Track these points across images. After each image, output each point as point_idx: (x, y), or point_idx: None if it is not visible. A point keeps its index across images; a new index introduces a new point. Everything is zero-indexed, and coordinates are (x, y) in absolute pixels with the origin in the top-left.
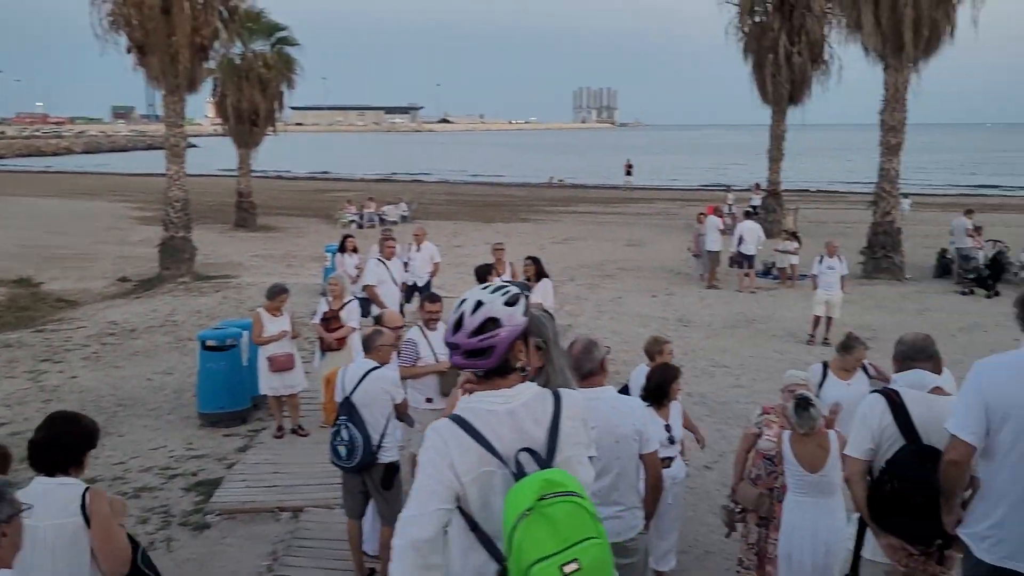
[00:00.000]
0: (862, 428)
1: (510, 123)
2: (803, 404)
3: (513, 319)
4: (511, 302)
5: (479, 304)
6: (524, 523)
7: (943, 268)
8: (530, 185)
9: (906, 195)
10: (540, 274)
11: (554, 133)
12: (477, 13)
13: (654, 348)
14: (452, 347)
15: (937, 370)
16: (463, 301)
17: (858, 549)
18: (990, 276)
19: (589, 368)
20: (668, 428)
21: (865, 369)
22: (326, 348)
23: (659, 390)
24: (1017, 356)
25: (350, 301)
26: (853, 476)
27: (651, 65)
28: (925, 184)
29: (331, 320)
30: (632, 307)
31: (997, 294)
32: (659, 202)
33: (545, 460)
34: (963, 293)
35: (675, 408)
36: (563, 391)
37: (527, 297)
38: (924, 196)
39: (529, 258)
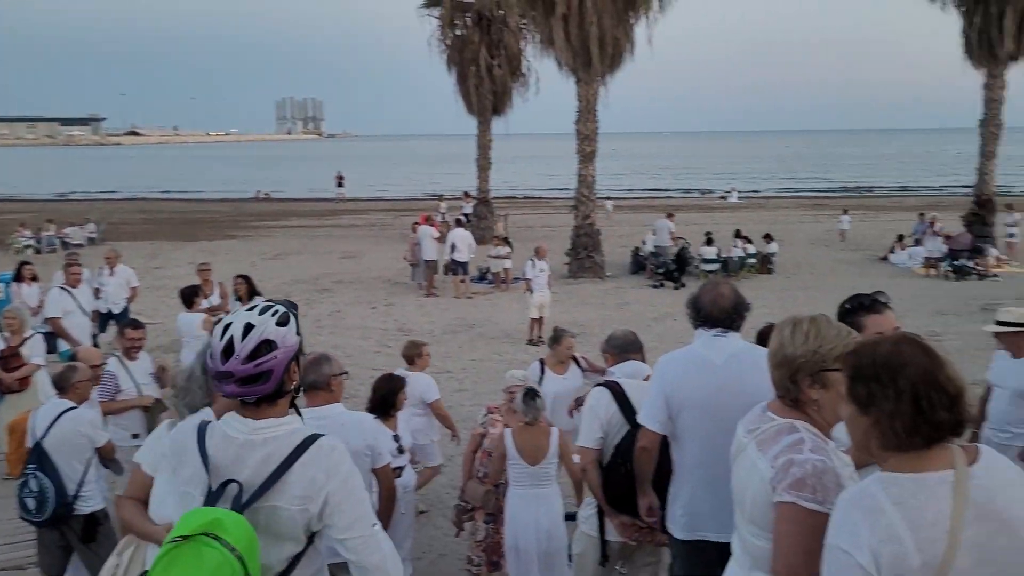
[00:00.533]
0: (592, 419)
1: (208, 135)
2: (530, 394)
3: (287, 340)
4: (282, 322)
5: (249, 327)
6: (173, 549)
7: (638, 265)
8: (234, 200)
9: (608, 198)
10: (252, 292)
11: (257, 145)
12: (166, 17)
13: (412, 351)
14: (223, 376)
15: (644, 360)
16: (228, 325)
17: (603, 533)
18: (677, 270)
19: (312, 380)
20: (396, 438)
21: (577, 362)
22: (5, 390)
23: (385, 401)
24: (689, 352)
25: (31, 336)
26: (589, 465)
27: (358, 75)
28: (618, 188)
29: (9, 358)
30: (352, 320)
31: (683, 286)
32: (373, 213)
33: (245, 502)
34: (655, 286)
35: (402, 417)
36: (325, 436)
37: (296, 316)
38: (617, 199)
39: (240, 276)
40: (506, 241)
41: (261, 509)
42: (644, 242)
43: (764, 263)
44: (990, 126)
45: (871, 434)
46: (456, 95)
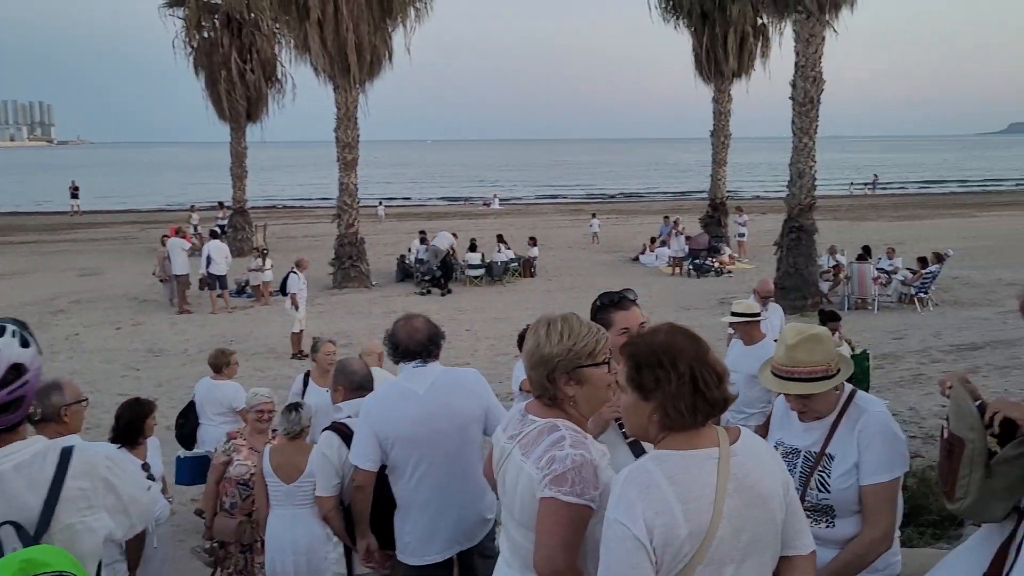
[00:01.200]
0: (326, 467)
1: None
2: (291, 407)
3: (35, 362)
4: (25, 343)
5: None
6: None
7: (404, 272)
8: None
9: (380, 202)
10: None
11: None
12: None
13: (220, 360)
14: None
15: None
16: None
17: (350, 569)
18: (443, 277)
19: (40, 412)
20: (146, 467)
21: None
22: None
23: (130, 428)
24: (393, 387)
25: None
26: (330, 513)
27: (93, 78)
28: (374, 197)
29: None
30: (93, 343)
31: (450, 292)
32: (115, 226)
33: (34, 534)
34: (422, 294)
35: (152, 444)
36: (79, 446)
37: (31, 335)
38: (372, 208)
39: None
40: (263, 253)
41: (55, 533)
42: (410, 249)
43: (527, 267)
44: (720, 136)
45: (652, 418)
46: (206, 101)
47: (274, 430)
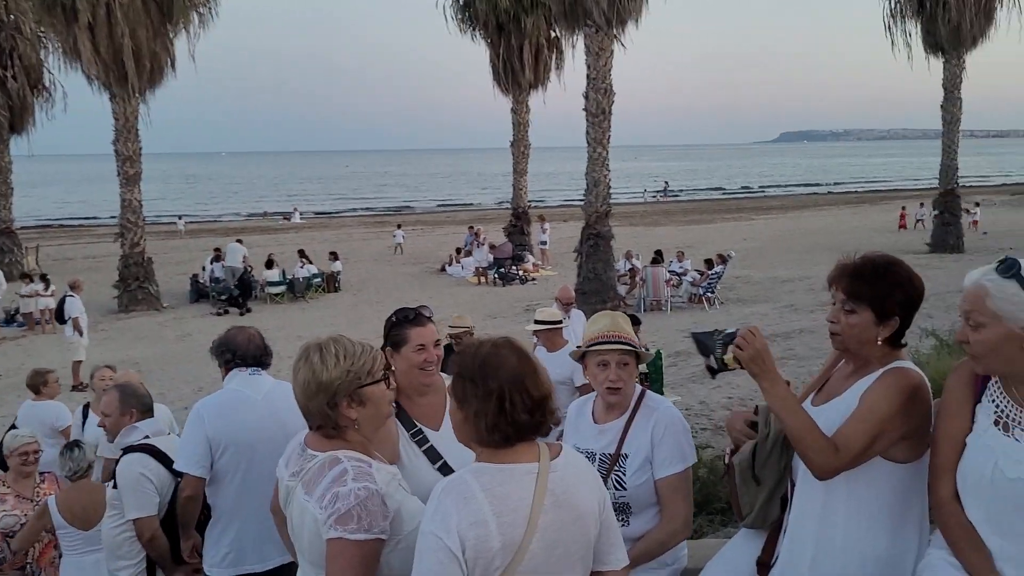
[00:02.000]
0: (145, 487)
1: None
2: (71, 446)
3: None
4: None
5: None
6: None
7: (198, 292)
8: None
9: (180, 216)
10: None
11: None
12: None
13: (37, 380)
14: None
15: None
16: None
17: None
18: (241, 295)
19: None
20: None
21: None
22: None
23: None
24: (227, 393)
25: None
26: (156, 533)
27: None
28: (167, 212)
29: None
30: None
31: (249, 311)
32: None
33: None
34: (219, 314)
35: None
36: None
37: None
38: (166, 226)
39: None
40: (43, 277)
41: None
42: (204, 267)
43: (331, 281)
44: (520, 146)
45: (466, 428)
46: None
47: (42, 473)
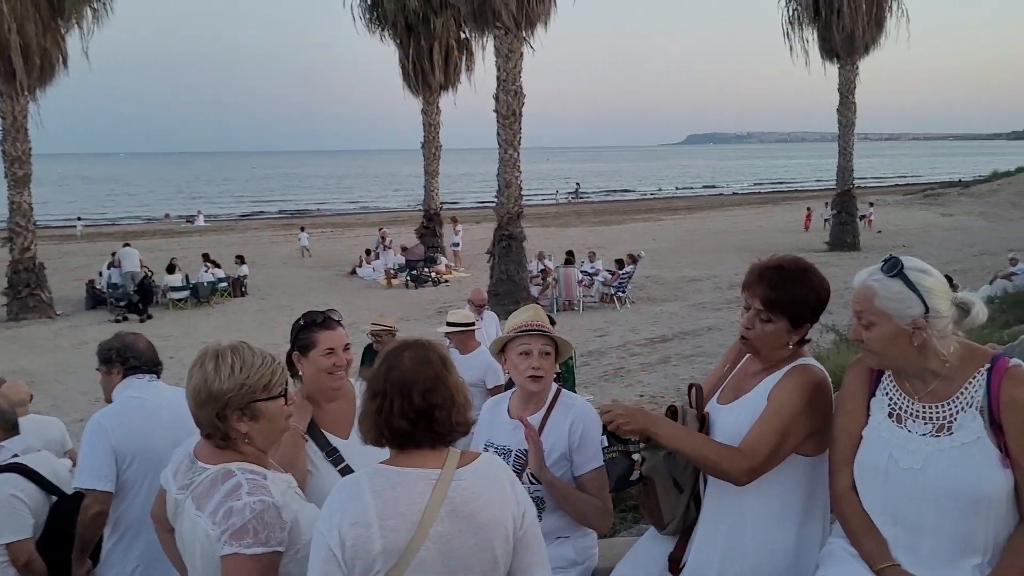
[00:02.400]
0: (15, 510)
1: None
2: None
3: None
4: None
5: None
6: None
7: (95, 299)
8: None
9: (79, 218)
10: None
11: None
12: None
13: None
14: None
15: None
16: None
17: None
18: (141, 301)
19: None
20: None
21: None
22: None
23: None
24: (128, 401)
25: None
26: (32, 555)
27: None
28: (62, 216)
29: None
30: None
31: (150, 317)
32: None
33: None
34: (118, 320)
35: None
36: None
37: None
38: (60, 229)
39: None
40: None
41: None
42: (100, 273)
43: (237, 286)
44: (431, 147)
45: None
46: None
47: None
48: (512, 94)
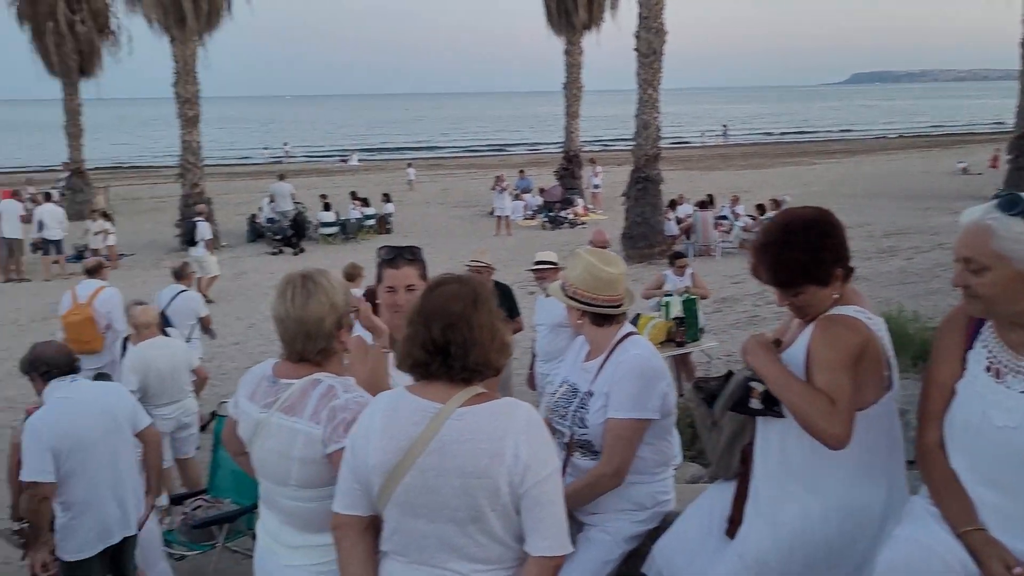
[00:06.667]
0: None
1: None
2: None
3: None
4: None
5: None
6: None
7: (255, 232)
8: None
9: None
10: None
11: None
12: None
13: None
14: None
15: None
16: None
17: None
18: (295, 236)
19: None
20: None
21: (165, 332)
22: None
23: None
24: (56, 404)
25: None
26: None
27: None
28: (229, 152)
29: None
30: None
31: (303, 251)
32: None
33: None
34: (274, 253)
35: None
36: None
37: None
38: (234, 166)
39: None
40: (107, 215)
41: None
42: (260, 208)
43: (382, 223)
44: (572, 89)
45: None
46: (33, 54)
47: None
48: (653, 32)
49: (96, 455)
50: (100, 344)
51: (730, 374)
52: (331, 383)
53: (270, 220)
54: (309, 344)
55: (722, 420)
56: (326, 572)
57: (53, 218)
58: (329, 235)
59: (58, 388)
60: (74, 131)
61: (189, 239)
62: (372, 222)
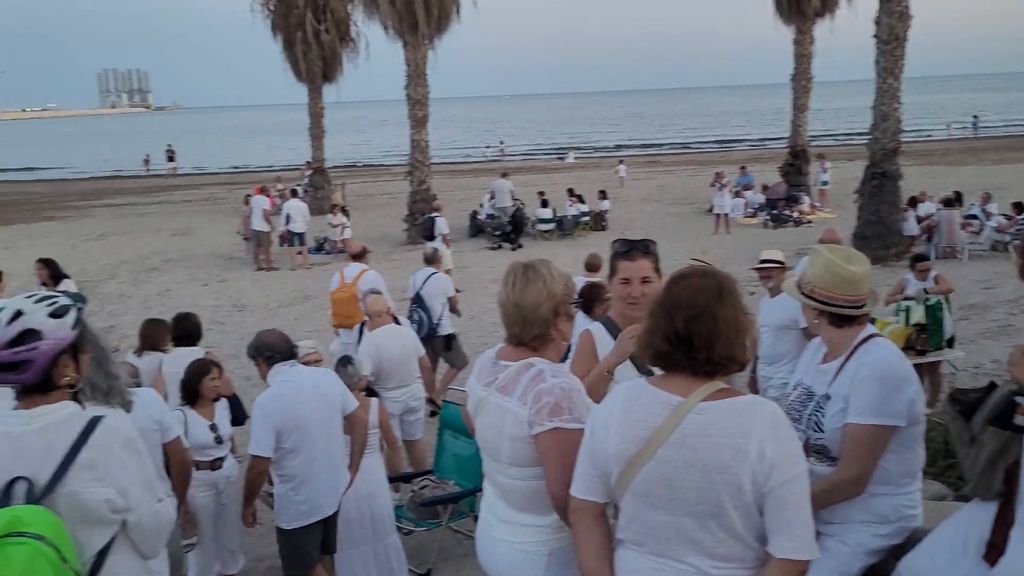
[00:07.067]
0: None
1: (23, 111)
2: (343, 361)
3: (57, 332)
4: (57, 314)
5: (18, 314)
6: None
7: (476, 228)
8: (51, 180)
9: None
10: (57, 276)
11: (79, 120)
12: None
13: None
14: None
15: None
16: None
17: None
18: (513, 232)
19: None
20: (214, 428)
21: (396, 320)
22: None
23: (187, 388)
24: (280, 387)
25: None
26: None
27: (186, 45)
28: (454, 153)
29: None
30: (183, 299)
31: (520, 247)
32: (206, 187)
33: (40, 493)
34: (493, 248)
35: (221, 406)
36: (109, 419)
37: (81, 309)
38: (456, 164)
39: (40, 260)
40: (343, 210)
41: (59, 497)
42: (481, 205)
43: (598, 220)
44: (801, 80)
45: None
46: (284, 63)
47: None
48: (896, 16)
49: (312, 434)
50: (360, 319)
51: (992, 386)
52: (542, 367)
53: (490, 216)
54: (526, 329)
55: (982, 435)
56: (530, 552)
57: (298, 212)
58: (546, 231)
59: (280, 372)
60: (317, 132)
61: (428, 234)
62: (588, 219)
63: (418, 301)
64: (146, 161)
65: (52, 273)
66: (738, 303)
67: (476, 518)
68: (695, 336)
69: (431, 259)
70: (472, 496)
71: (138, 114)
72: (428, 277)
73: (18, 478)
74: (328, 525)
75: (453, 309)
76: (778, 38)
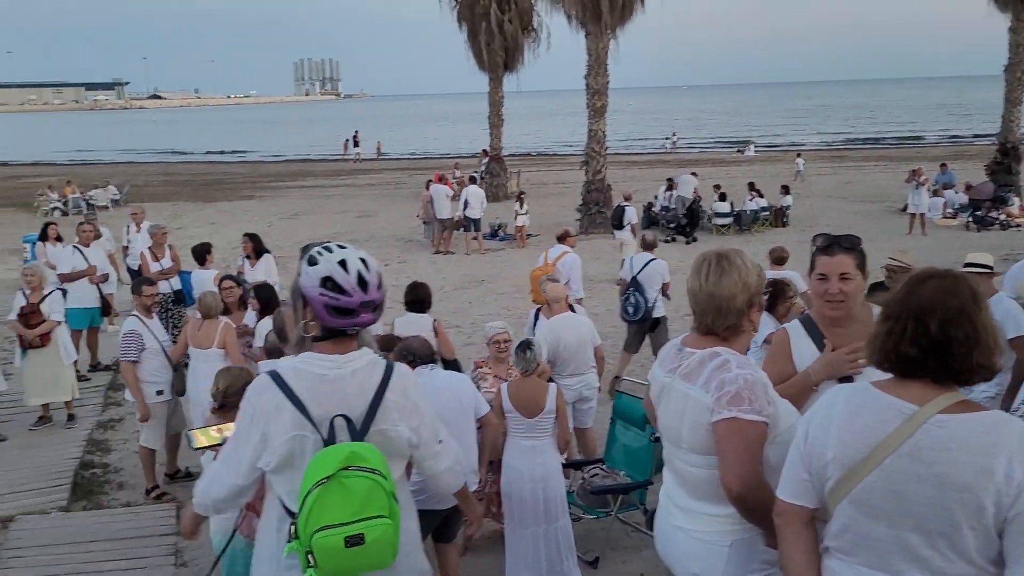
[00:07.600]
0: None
1: (228, 98)
2: (523, 346)
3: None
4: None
5: (365, 260)
6: (320, 489)
7: (650, 220)
8: (252, 162)
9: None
10: (259, 250)
11: (276, 107)
12: None
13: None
14: (368, 306)
15: None
16: (343, 262)
17: None
18: (688, 225)
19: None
20: None
21: (572, 307)
22: (28, 345)
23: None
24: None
25: (51, 293)
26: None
27: (374, 35)
28: (628, 144)
29: (30, 315)
30: None
31: (695, 240)
32: (388, 172)
33: (360, 431)
34: (667, 241)
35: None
36: (396, 364)
37: None
38: (632, 155)
39: (246, 235)
40: (519, 197)
41: (372, 434)
42: (656, 196)
43: (778, 216)
44: (1016, 72)
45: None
46: (467, 52)
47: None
48: None
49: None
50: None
51: None
52: (728, 357)
53: (664, 208)
54: (719, 319)
55: None
56: (708, 542)
57: (476, 198)
58: (723, 226)
59: (420, 374)
60: (496, 121)
61: (617, 222)
62: (768, 214)
63: (635, 285)
64: (353, 143)
65: (255, 247)
66: (986, 306)
67: (646, 511)
68: (954, 342)
69: (651, 244)
70: (643, 488)
71: (328, 101)
72: (647, 262)
73: (338, 416)
74: (448, 520)
75: (665, 293)
76: (991, 25)
